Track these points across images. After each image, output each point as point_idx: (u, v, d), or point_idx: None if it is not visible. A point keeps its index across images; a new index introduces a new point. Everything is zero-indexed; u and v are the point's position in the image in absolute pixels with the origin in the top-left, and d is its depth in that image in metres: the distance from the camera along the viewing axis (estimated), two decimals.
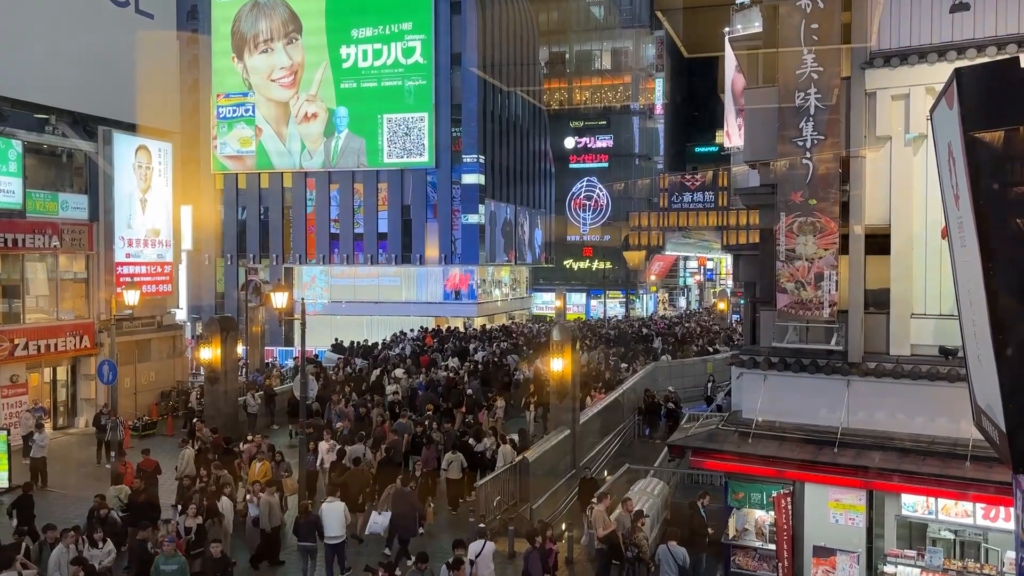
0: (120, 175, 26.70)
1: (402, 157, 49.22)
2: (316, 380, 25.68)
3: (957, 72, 5.26)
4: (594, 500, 14.88)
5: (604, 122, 66.73)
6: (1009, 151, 5.22)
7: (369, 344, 36.72)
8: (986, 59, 11.20)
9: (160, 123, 28.90)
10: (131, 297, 21.44)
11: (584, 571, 13.63)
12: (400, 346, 35.21)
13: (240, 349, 26.49)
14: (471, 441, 19.24)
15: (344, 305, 49.79)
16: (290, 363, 35.77)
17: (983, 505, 11.92)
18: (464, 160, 49.07)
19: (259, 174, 52.48)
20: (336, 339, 37.50)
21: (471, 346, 34.40)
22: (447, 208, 49.31)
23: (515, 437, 19.99)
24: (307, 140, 51.09)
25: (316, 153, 51.03)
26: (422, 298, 50.29)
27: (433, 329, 42.10)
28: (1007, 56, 11.01)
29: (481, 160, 49.38)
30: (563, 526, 16.81)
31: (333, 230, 51.34)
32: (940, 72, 11.67)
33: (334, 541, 13.82)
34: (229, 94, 52.40)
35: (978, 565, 12.06)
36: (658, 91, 68.09)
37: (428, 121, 48.67)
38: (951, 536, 12.68)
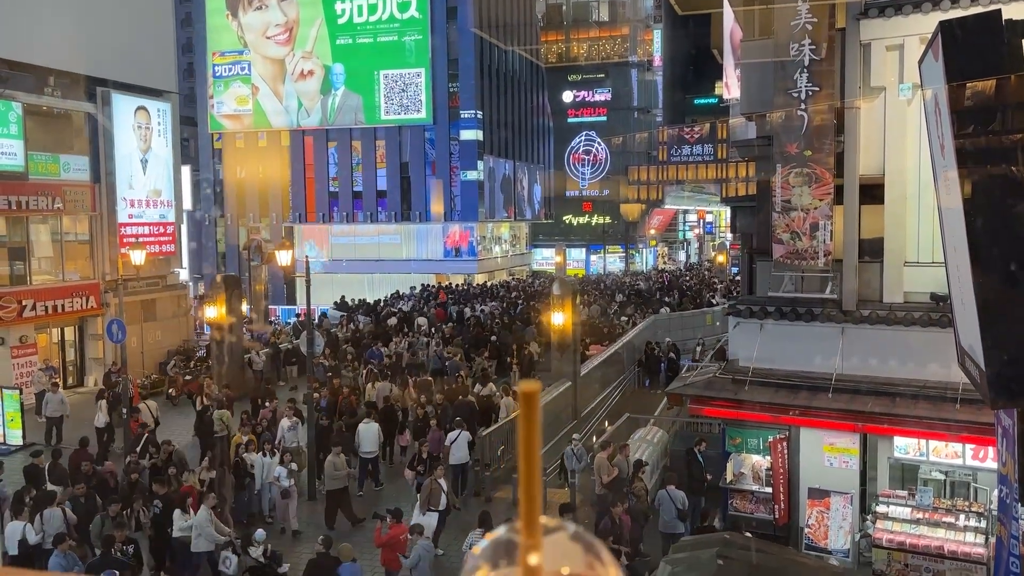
0: (120, 136, 26.77)
1: (399, 114, 49.03)
2: (320, 337, 26.05)
3: (941, 25, 5.45)
4: (596, 447, 15.30)
5: (602, 75, 66.20)
6: (989, 101, 5.43)
7: (371, 302, 37.06)
8: (979, 8, 11.30)
9: (158, 83, 28.86)
10: (136, 257, 21.68)
11: (586, 515, 14.09)
12: (401, 304, 35.55)
13: (244, 307, 26.81)
14: (477, 387, 19.79)
15: (345, 264, 50.00)
16: (292, 320, 36.13)
17: (972, 446, 12.33)
18: (462, 116, 48.89)
19: (257, 132, 52.35)
20: (341, 296, 37.81)
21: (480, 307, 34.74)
22: (446, 165, 49.25)
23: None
24: (304, 98, 50.85)
25: (313, 111, 50.83)
26: (422, 255, 50.48)
27: (446, 285, 42.75)
28: (993, 7, 11.11)
29: (479, 116, 49.20)
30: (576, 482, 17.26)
31: (332, 188, 51.35)
32: (934, 22, 11.75)
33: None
34: (224, 52, 52.01)
35: (967, 504, 12.50)
36: (656, 43, 67.48)
37: (425, 77, 48.39)
38: (941, 477, 13.10)
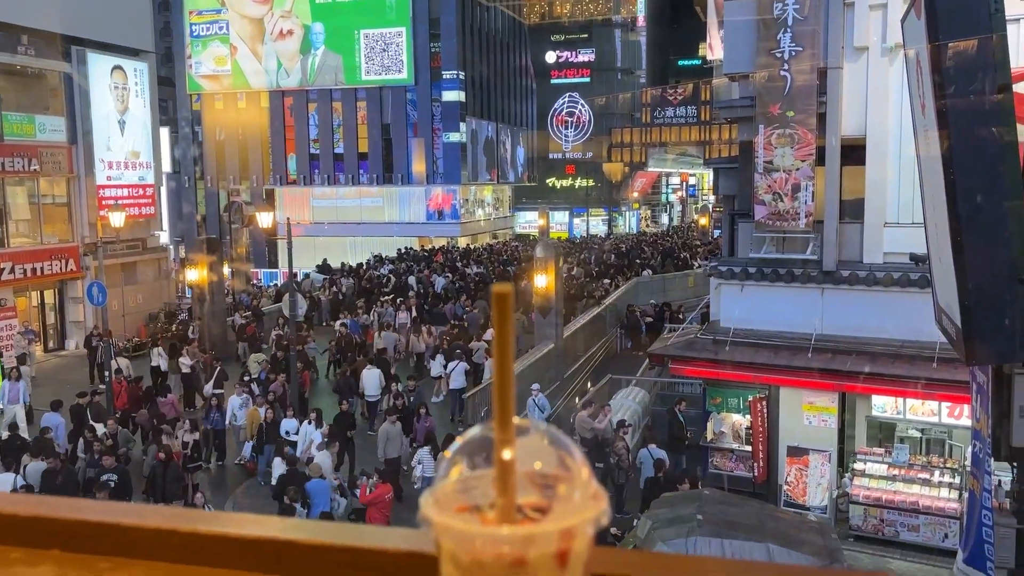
0: (97, 96, 26.31)
1: (380, 74, 48.44)
2: (303, 300, 26.00)
3: None
4: (579, 407, 15.47)
5: (585, 35, 65.54)
6: (970, 61, 5.45)
7: (354, 265, 36.97)
8: None
9: (134, 42, 28.33)
10: (116, 219, 21.50)
11: None
12: (385, 267, 35.49)
13: (225, 270, 26.69)
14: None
15: (326, 227, 49.71)
16: (276, 283, 36.02)
17: (948, 404, 12.56)
18: (444, 77, 48.34)
19: (236, 93, 51.63)
20: (324, 260, 37.65)
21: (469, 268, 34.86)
22: (428, 126, 48.82)
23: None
24: (283, 58, 50.09)
25: (293, 71, 50.12)
26: (404, 219, 50.22)
27: (440, 247, 42.94)
28: None
29: (461, 76, 48.68)
30: None
31: (313, 150, 50.86)
32: None
33: (372, 399, 17.65)
34: (202, 11, 51.04)
35: (941, 460, 12.77)
36: (640, 2, 66.81)
37: (406, 36, 47.74)
38: (918, 434, 13.37)
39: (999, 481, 8.23)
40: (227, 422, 15.97)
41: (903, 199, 12.61)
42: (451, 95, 48.40)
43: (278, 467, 13.27)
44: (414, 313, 23.80)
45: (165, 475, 12.76)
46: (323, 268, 35.99)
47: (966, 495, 8.97)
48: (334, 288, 30.14)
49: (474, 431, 0.56)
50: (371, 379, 17.78)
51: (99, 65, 26.49)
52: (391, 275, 32.76)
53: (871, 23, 12.44)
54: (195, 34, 51.48)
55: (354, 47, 48.54)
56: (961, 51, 5.52)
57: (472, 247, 45.59)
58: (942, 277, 6.59)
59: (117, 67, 27.28)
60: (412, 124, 49.08)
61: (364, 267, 35.87)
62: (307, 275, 33.54)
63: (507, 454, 0.51)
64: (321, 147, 50.58)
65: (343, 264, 36.98)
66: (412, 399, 16.18)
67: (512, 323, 0.55)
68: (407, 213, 50.35)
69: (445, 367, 18.98)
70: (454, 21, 47.93)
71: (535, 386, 16.87)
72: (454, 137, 48.63)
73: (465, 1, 49.12)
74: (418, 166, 48.98)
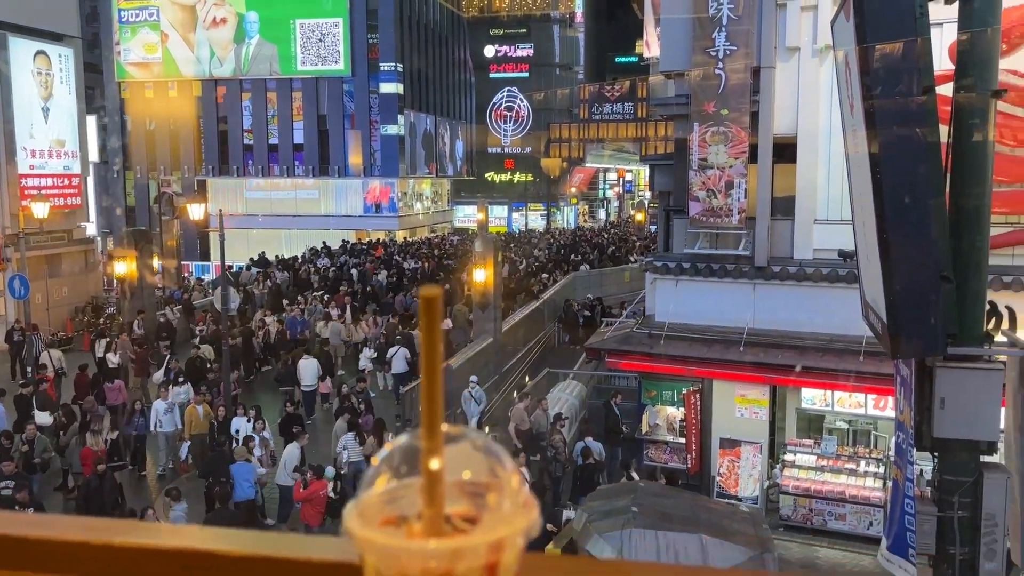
0: (18, 82, 25.30)
1: (317, 65, 47.69)
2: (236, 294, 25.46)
3: None
4: (516, 400, 15.51)
5: (524, 30, 65.63)
6: (897, 63, 5.60)
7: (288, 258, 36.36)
8: None
9: (58, 26, 27.32)
10: (39, 210, 20.73)
11: None
12: (321, 260, 34.99)
13: (155, 263, 25.98)
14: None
15: (260, 219, 48.77)
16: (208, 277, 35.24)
17: (874, 396, 12.95)
18: (382, 68, 47.84)
19: (167, 82, 50.25)
20: (261, 252, 36.90)
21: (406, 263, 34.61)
22: (365, 118, 48.26)
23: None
24: (216, 46, 48.94)
25: (226, 60, 49.01)
26: (341, 211, 49.57)
27: (380, 241, 42.54)
28: None
29: (399, 68, 48.26)
30: (486, 429, 17.46)
31: (247, 141, 49.84)
32: None
33: (308, 389, 17.88)
34: None
35: (867, 451, 13.16)
36: None
37: (343, 27, 47.10)
38: (845, 426, 13.75)
39: (921, 470, 8.52)
40: (151, 427, 15.17)
41: (832, 196, 12.93)
42: (389, 87, 47.94)
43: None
44: (347, 312, 23.44)
45: (102, 486, 12.29)
46: (261, 261, 35.30)
47: (890, 484, 9.27)
48: (268, 282, 29.61)
49: (401, 439, 0.53)
50: (308, 369, 17.98)
51: (21, 50, 25.48)
52: (329, 268, 32.40)
53: (803, 24, 12.72)
54: (124, 20, 49.93)
55: (290, 37, 47.70)
56: (888, 53, 5.67)
57: (410, 241, 45.27)
58: (869, 273, 6.77)
59: (40, 52, 26.29)
60: (349, 116, 48.47)
61: (299, 260, 35.33)
62: (239, 268, 32.89)
63: (434, 463, 0.49)
64: (255, 138, 49.61)
65: (277, 257, 36.35)
66: (360, 399, 16.10)
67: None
68: (344, 206, 49.72)
69: (374, 359, 19.77)
70: (392, 13, 47.46)
71: (473, 378, 16.89)
72: (392, 130, 48.20)
73: None
74: (355, 158, 48.41)
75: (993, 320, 11.65)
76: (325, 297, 25.41)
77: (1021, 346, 6.33)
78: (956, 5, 6.04)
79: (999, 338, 6.88)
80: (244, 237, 44.25)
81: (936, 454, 6.32)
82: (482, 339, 20.54)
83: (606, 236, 48.84)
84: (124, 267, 22.13)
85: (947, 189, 6.03)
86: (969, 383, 6.13)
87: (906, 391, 6.45)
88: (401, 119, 48.68)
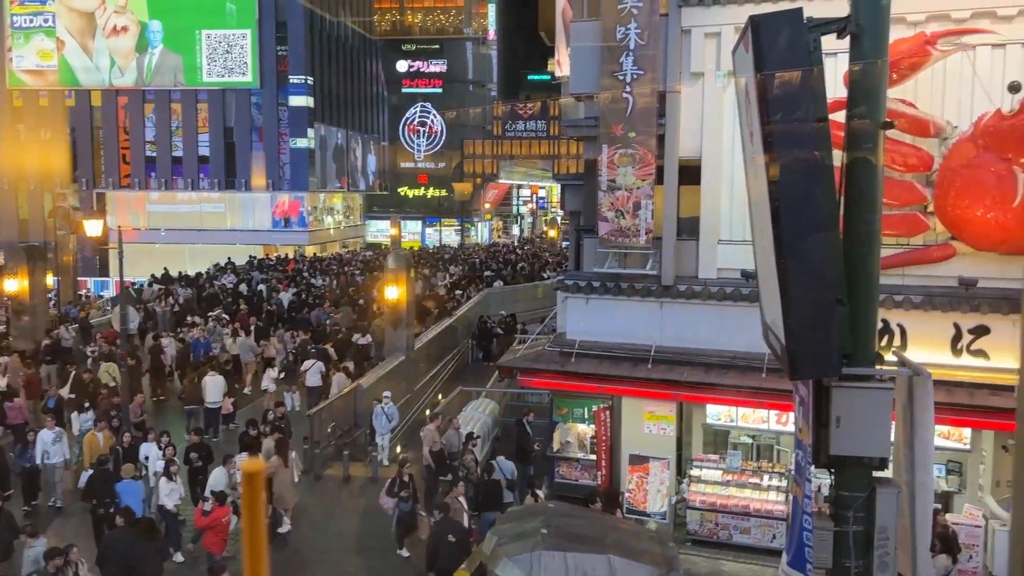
0: None
1: (223, 76, 46.62)
2: (136, 312, 24.50)
3: (751, 18, 5.74)
4: (428, 418, 15.37)
5: (437, 46, 65.70)
6: (793, 92, 5.80)
7: (193, 275, 35.24)
8: (787, 3, 12.04)
9: None
10: None
11: (419, 488, 14.18)
12: (227, 277, 34.04)
13: (50, 279, 24.79)
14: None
15: (163, 233, 47.21)
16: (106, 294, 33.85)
17: (776, 412, 13.31)
18: (291, 81, 47.12)
19: (64, 91, 48.22)
20: (164, 269, 35.63)
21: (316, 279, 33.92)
22: (274, 131, 47.39)
23: (350, 365, 20.14)
24: (117, 55, 47.29)
25: (128, 70, 47.41)
26: (248, 226, 48.45)
27: (292, 257, 41.63)
28: (800, 1, 11.89)
29: (309, 82, 47.60)
30: (398, 448, 17.24)
31: (149, 153, 48.24)
32: (748, 13, 12.43)
33: (213, 406, 17.76)
34: (25, 1, 47.41)
35: (770, 465, 13.52)
36: (491, 16, 67.62)
37: (251, 39, 46.21)
38: (749, 441, 14.10)
39: (819, 487, 8.80)
40: (39, 459, 14.16)
41: (736, 218, 13.29)
42: (299, 100, 47.23)
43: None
44: (250, 333, 22.74)
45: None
46: (164, 277, 34.12)
47: (791, 499, 9.55)
48: (170, 299, 28.61)
49: None
50: (214, 386, 17.81)
51: None
52: (238, 284, 31.56)
53: (706, 50, 13.08)
54: (17, 25, 47.78)
55: (195, 47, 46.51)
56: (784, 83, 5.86)
57: (320, 256, 44.52)
58: (768, 295, 6.96)
59: None
60: (257, 128, 47.52)
61: (204, 276, 34.30)
62: (139, 285, 31.68)
63: None
64: (158, 150, 48.10)
65: (180, 273, 35.21)
66: (284, 423, 15.78)
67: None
68: (251, 220, 48.60)
69: (277, 378, 19.78)
70: (302, 25, 46.84)
71: (386, 394, 16.69)
72: (302, 143, 47.46)
73: (314, 5, 48.08)
74: (263, 172, 47.45)
75: (886, 337, 12.18)
76: (223, 317, 24.65)
77: (909, 365, 6.60)
78: (848, 38, 6.30)
79: (889, 356, 7.17)
80: (146, 252, 42.80)
81: (833, 470, 6.52)
82: (395, 357, 20.31)
83: (519, 252, 49.12)
84: (15, 284, 21.04)
85: (841, 214, 6.27)
86: (863, 402, 6.35)
87: (804, 410, 6.64)
88: (311, 132, 48.00)
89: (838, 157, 6.44)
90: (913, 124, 11.84)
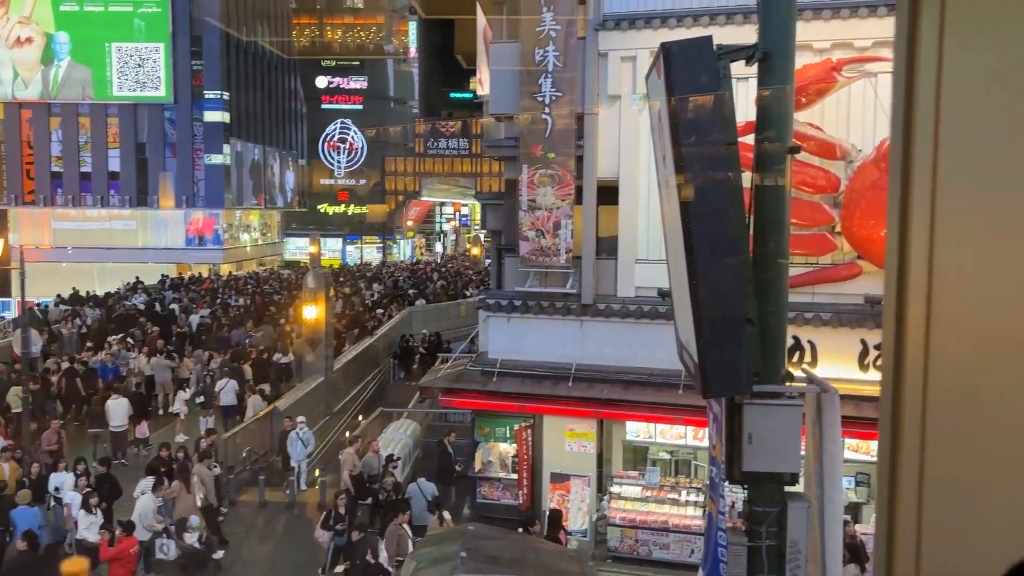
0: None
1: (135, 90, 45.29)
2: (40, 334, 23.45)
3: (663, 45, 5.86)
4: (346, 441, 15.11)
5: (357, 63, 65.27)
6: (704, 117, 5.94)
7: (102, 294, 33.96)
8: (700, 28, 12.40)
9: None
10: None
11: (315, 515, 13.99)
12: (138, 296, 32.90)
13: None
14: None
15: (71, 251, 45.41)
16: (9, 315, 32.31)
17: (693, 427, 13.55)
18: (206, 96, 46.06)
19: None
20: (73, 288, 34.19)
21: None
22: (188, 147, 46.21)
23: (266, 387, 19.70)
24: (20, 67, 45.46)
25: (32, 82, 45.62)
26: (161, 243, 47.00)
27: (203, 275, 40.44)
28: (713, 26, 12.25)
29: (225, 97, 46.63)
30: (316, 472, 16.90)
31: (55, 168, 46.44)
32: (663, 38, 12.75)
33: (117, 429, 17.33)
34: None
35: (688, 480, 13.73)
36: (412, 34, 67.60)
37: (164, 52, 45.05)
38: (668, 456, 14.31)
39: (733, 502, 8.98)
40: None
41: (653, 237, 13.52)
42: (214, 115, 46.20)
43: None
44: (158, 356, 21.97)
45: None
46: (72, 298, 32.73)
47: (707, 515, 9.71)
48: (78, 320, 27.48)
49: None
50: (117, 409, 17.40)
51: None
52: (153, 304, 30.52)
53: (623, 74, 13.32)
54: None
55: (105, 60, 45.08)
56: (695, 107, 6.00)
57: (236, 275, 43.48)
58: (681, 315, 7.08)
59: None
60: (171, 144, 46.29)
61: (113, 296, 33.09)
62: (44, 306, 30.34)
63: None
64: (65, 165, 46.35)
65: (88, 293, 33.89)
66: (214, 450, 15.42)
67: None
68: (163, 238, 47.18)
69: (199, 403, 19.18)
70: (217, 39, 45.91)
71: (301, 419, 16.33)
72: (217, 159, 46.40)
73: (230, 19, 47.22)
74: (177, 188, 46.20)
75: (797, 353, 12.55)
76: (128, 341, 23.76)
77: (817, 382, 6.80)
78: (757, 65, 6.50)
79: (798, 373, 7.38)
80: (52, 271, 41.06)
81: (746, 486, 6.65)
82: (313, 378, 19.94)
83: (441, 270, 48.98)
84: None
85: (751, 235, 6.44)
86: (773, 418, 6.50)
87: (718, 427, 6.77)
88: (227, 148, 46.99)
89: (748, 179, 6.64)
90: (821, 147, 12.29)
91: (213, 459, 14.75)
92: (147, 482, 13.18)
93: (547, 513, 12.42)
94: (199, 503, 13.27)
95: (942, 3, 0.84)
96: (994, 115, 0.76)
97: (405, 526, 12.00)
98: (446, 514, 12.16)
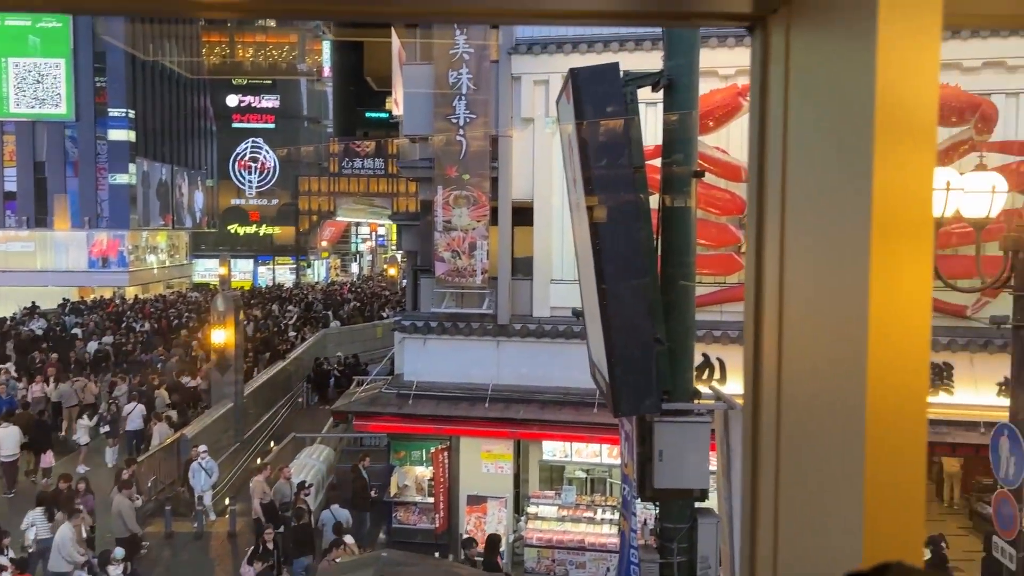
0: None
1: (34, 107, 43.47)
2: None
3: (571, 71, 5.98)
4: (257, 467, 14.73)
5: (270, 81, 64.24)
6: (612, 141, 6.07)
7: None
8: (610, 54, 12.68)
9: None
10: None
11: (249, 542, 13.53)
12: (36, 322, 31.45)
13: None
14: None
15: None
16: None
17: (608, 446, 13.71)
18: (110, 114, 44.55)
19: None
20: None
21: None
22: (91, 166, 44.53)
23: (172, 414, 19.07)
24: None
25: None
26: (62, 266, 45.03)
27: (106, 298, 38.84)
28: (623, 52, 12.55)
29: (131, 115, 45.21)
30: (226, 501, 16.41)
31: None
32: (574, 62, 12.99)
33: (8, 459, 16.82)
34: None
35: (604, 498, 13.87)
36: (326, 53, 66.98)
37: (65, 69, 43.40)
38: (584, 475, 14.43)
39: (645, 520, 9.10)
40: None
41: (567, 258, 13.69)
42: (118, 134, 44.70)
43: None
44: (51, 385, 21.14)
45: None
46: None
47: (620, 534, 9.82)
48: None
49: None
50: (9, 438, 16.87)
51: None
52: (52, 330, 29.26)
53: (536, 97, 13.51)
54: None
55: (1, 76, 43.18)
56: (603, 132, 6.13)
57: (142, 298, 42.01)
58: (593, 334, 7.18)
59: None
60: (72, 163, 44.54)
61: (9, 322, 31.55)
62: None
63: None
64: None
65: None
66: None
67: None
68: (65, 260, 45.24)
69: (92, 427, 18.76)
70: (122, 56, 44.52)
71: (202, 449, 15.77)
72: (122, 179, 44.86)
73: (136, 36, 45.92)
74: (79, 208, 44.44)
75: (707, 370, 12.85)
76: (13, 370, 22.71)
77: (724, 399, 6.98)
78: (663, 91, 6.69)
79: (706, 390, 7.56)
80: None
81: (657, 504, 6.76)
82: (223, 404, 19.38)
83: (356, 291, 48.43)
84: None
85: (659, 256, 6.59)
86: (683, 435, 6.64)
87: (629, 445, 6.87)
88: (133, 168, 45.51)
89: (657, 201, 6.80)
90: (727, 169, 12.68)
91: (134, 490, 14.20)
92: (35, 514, 12.63)
93: (486, 537, 12.38)
94: (84, 534, 12.70)
95: (786, 57, 0.92)
96: (825, 157, 0.84)
97: (339, 560, 11.70)
98: (348, 539, 11.92)
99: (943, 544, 11.07)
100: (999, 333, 11.44)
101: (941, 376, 12.34)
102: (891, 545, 0.71)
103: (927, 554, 11.18)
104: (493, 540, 11.96)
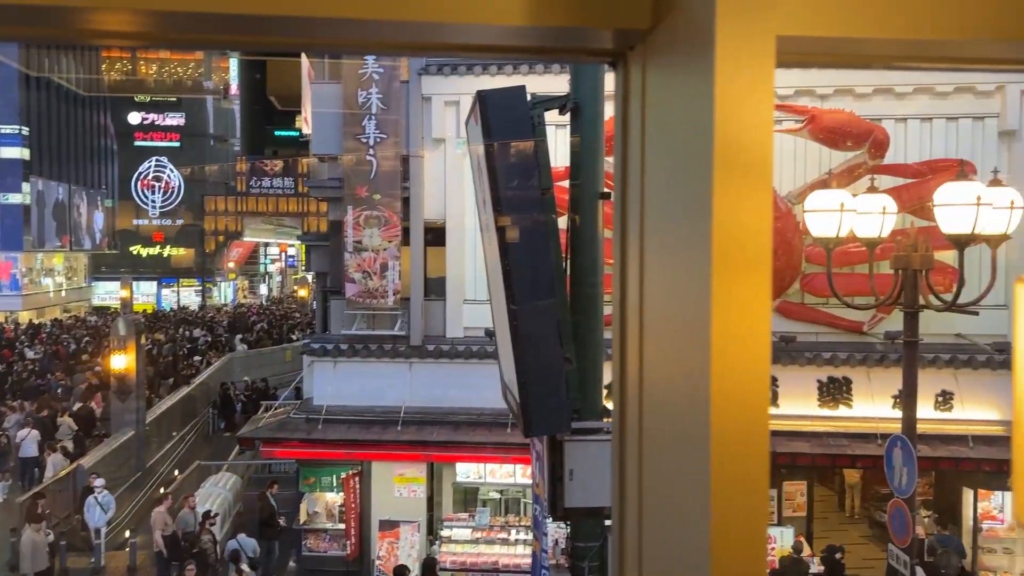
0: None
1: None
2: None
3: (478, 93, 6.01)
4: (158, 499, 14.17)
5: (174, 99, 62.53)
6: (520, 162, 6.12)
7: None
8: (519, 77, 12.81)
9: None
10: None
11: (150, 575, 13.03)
12: None
13: None
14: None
15: None
16: None
17: (522, 466, 13.70)
18: (1, 131, 42.57)
19: None
20: None
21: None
22: None
23: (68, 444, 18.20)
24: None
25: None
26: None
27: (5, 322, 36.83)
28: (532, 75, 12.70)
29: (24, 132, 43.29)
30: (126, 533, 15.71)
31: None
32: (484, 84, 13.07)
33: None
34: None
35: (518, 519, 13.85)
36: (233, 71, 65.67)
37: None
38: (498, 496, 14.39)
39: (556, 539, 9.12)
40: None
41: (479, 277, 13.70)
42: (11, 151, 42.73)
43: None
44: None
45: None
46: None
47: (532, 554, 9.81)
48: None
49: None
50: None
51: None
52: None
53: (447, 117, 13.53)
54: None
55: None
56: (511, 153, 6.17)
57: (37, 324, 40.05)
58: (504, 355, 7.18)
59: None
60: None
61: None
62: None
63: None
64: None
65: None
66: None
67: None
68: None
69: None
70: (15, 70, 42.64)
71: (98, 482, 14.98)
72: (14, 198, 42.83)
73: (31, 49, 44.06)
74: None
75: None
76: None
77: None
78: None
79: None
80: None
81: (568, 523, 6.78)
82: (122, 432, 18.59)
83: (265, 313, 47.35)
84: None
85: (567, 276, 6.66)
86: (593, 454, 6.68)
87: (540, 464, 6.89)
88: (26, 187, 43.51)
89: (565, 222, 6.88)
90: None
91: (45, 524, 13.43)
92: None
93: (422, 561, 12.20)
94: None
95: (643, 93, 1.00)
96: (674, 189, 0.91)
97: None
98: (245, 567, 11.56)
99: (839, 554, 11.44)
100: (894, 348, 11.97)
101: (840, 390, 12.83)
102: (736, 536, 0.78)
103: (823, 565, 11.57)
104: (429, 563, 11.83)
